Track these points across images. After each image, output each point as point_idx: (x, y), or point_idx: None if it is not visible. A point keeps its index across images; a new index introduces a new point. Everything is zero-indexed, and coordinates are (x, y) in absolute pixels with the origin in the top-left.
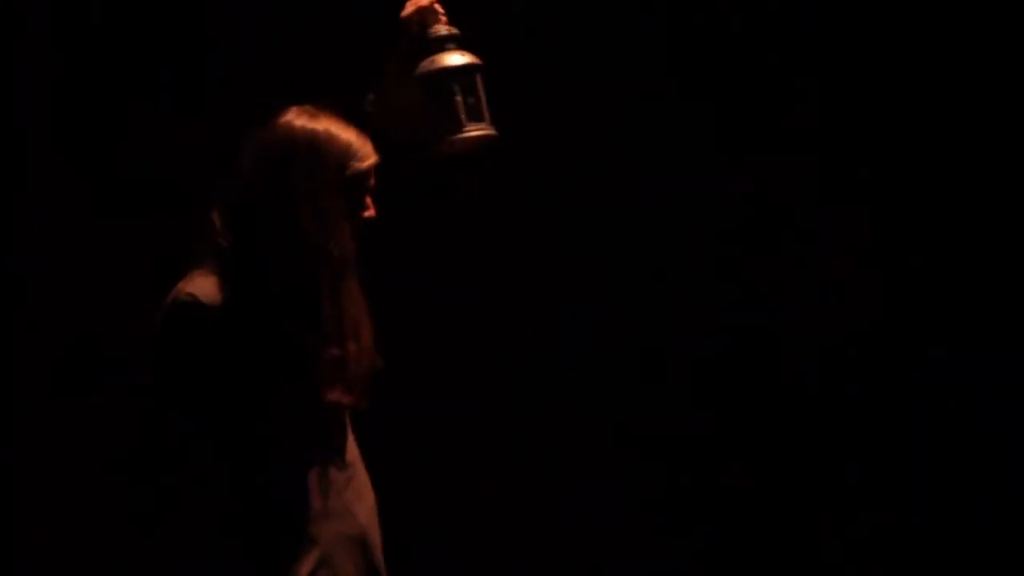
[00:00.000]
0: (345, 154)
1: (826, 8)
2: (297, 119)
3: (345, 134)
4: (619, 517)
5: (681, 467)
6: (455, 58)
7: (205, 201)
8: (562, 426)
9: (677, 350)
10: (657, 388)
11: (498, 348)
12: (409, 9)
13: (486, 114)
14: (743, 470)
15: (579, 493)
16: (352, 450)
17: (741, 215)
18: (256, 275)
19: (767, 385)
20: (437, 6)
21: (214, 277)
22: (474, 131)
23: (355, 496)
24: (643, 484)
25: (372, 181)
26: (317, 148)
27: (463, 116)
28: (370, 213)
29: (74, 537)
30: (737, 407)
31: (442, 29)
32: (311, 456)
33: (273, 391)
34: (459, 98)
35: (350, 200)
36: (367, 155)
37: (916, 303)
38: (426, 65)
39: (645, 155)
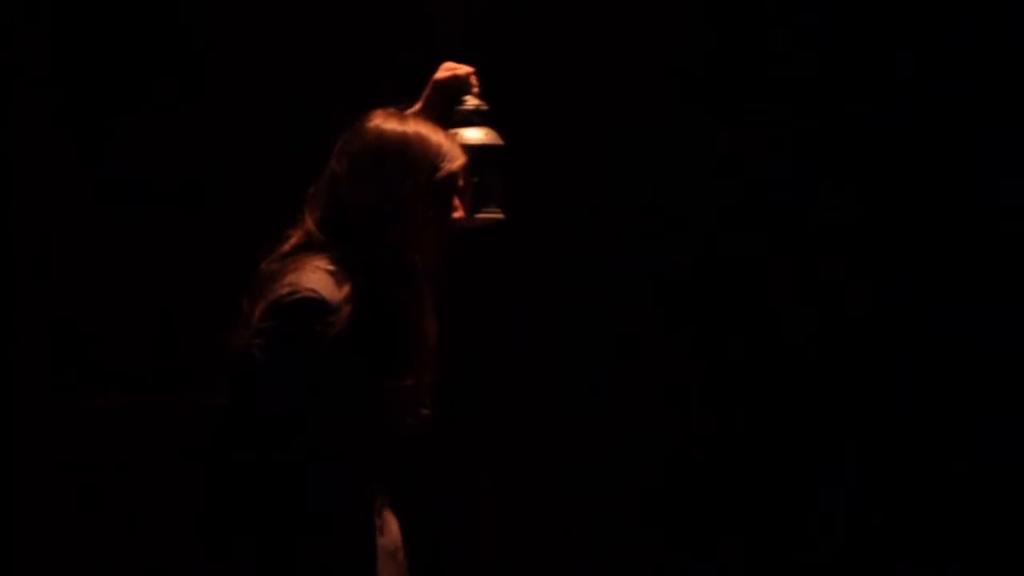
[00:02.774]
0: (436, 155)
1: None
2: (386, 123)
3: (434, 136)
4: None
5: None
6: (478, 135)
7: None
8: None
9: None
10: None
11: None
12: (444, 74)
13: (498, 195)
14: (744, 468)
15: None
16: None
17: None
18: (350, 277)
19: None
20: (473, 78)
21: (322, 274)
22: (482, 214)
23: (389, 512)
24: (643, 482)
25: (461, 181)
26: (410, 151)
27: (474, 198)
28: (459, 214)
29: (74, 537)
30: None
31: (472, 102)
32: (370, 472)
33: (350, 398)
34: (475, 179)
35: (442, 201)
36: (456, 155)
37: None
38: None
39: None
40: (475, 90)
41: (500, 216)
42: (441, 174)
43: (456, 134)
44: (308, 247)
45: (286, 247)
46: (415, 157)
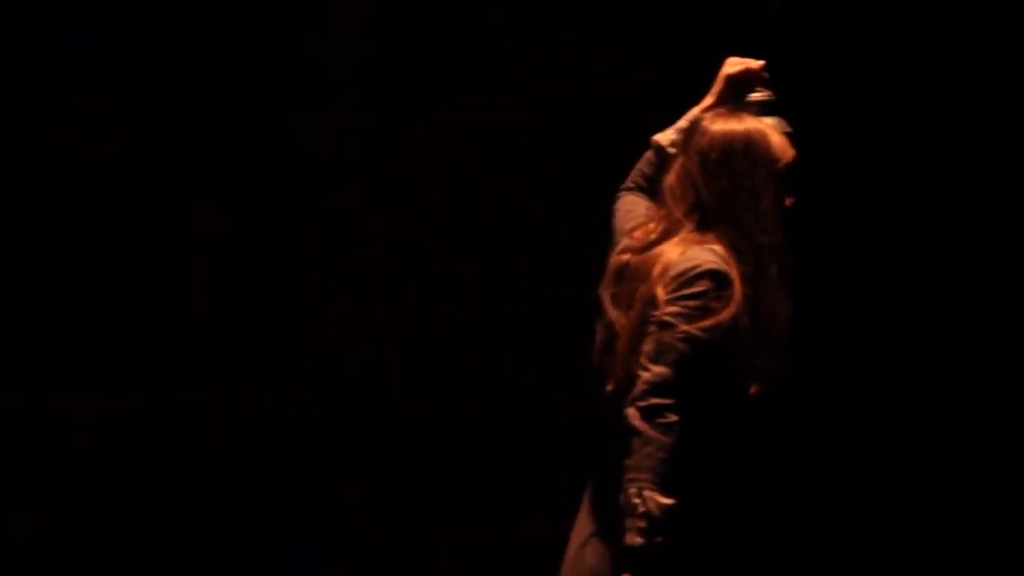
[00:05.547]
0: (775, 148)
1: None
2: (727, 122)
3: (768, 130)
4: None
5: None
6: (771, 124)
7: None
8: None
9: None
10: None
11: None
12: (735, 68)
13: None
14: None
15: None
16: None
17: None
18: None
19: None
20: (764, 73)
21: (710, 252)
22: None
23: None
24: None
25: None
26: (753, 145)
27: None
28: (793, 201)
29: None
30: None
31: (762, 94)
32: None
33: (723, 371)
34: None
35: (783, 188)
36: (788, 146)
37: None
38: None
39: None
40: (764, 81)
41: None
42: (781, 164)
43: None
44: (672, 235)
45: (653, 236)
46: (758, 150)
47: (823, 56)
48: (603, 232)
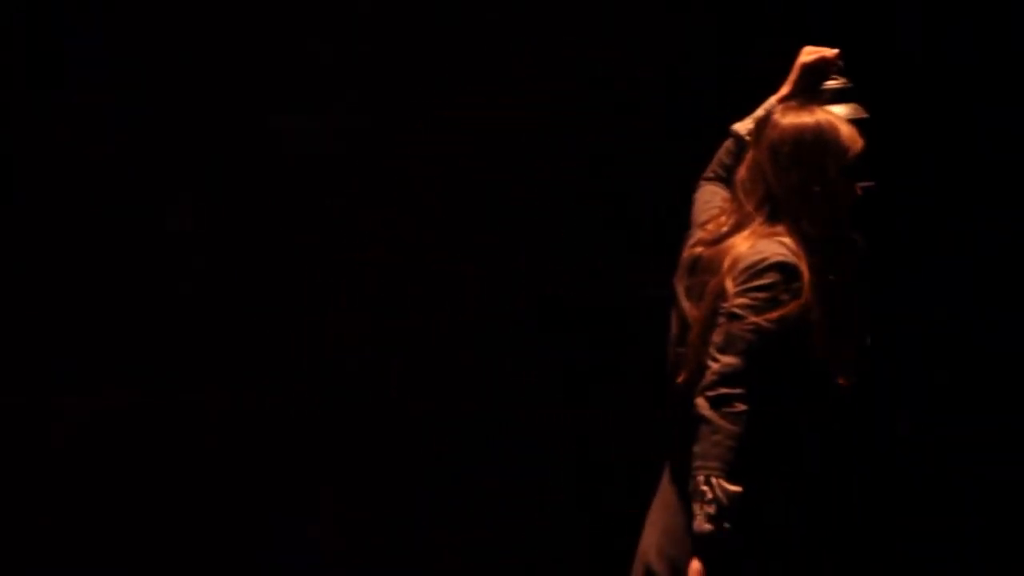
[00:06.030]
0: (845, 139)
1: None
2: (798, 116)
3: (837, 122)
4: None
5: None
6: (848, 111)
7: None
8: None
9: None
10: None
11: None
12: (811, 57)
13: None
14: None
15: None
16: None
17: None
18: (798, 250)
19: None
20: (839, 61)
21: (779, 245)
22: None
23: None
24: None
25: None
26: (824, 137)
27: None
28: (864, 189)
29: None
30: None
31: (837, 81)
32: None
33: (797, 362)
34: None
35: (852, 182)
36: (857, 137)
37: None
38: None
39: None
40: (839, 69)
41: (870, 184)
42: (851, 154)
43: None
44: (742, 228)
45: (725, 229)
46: (829, 142)
47: None
48: (603, 232)
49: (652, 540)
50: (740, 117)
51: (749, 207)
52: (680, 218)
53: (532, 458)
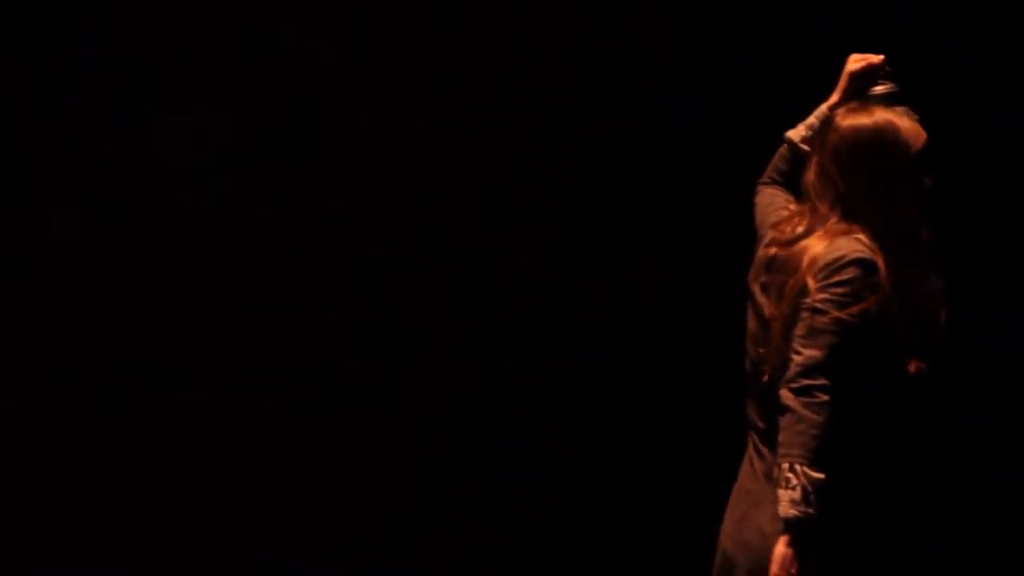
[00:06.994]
0: (908, 136)
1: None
2: (858, 117)
3: (898, 119)
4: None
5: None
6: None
7: None
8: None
9: None
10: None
11: None
12: (859, 64)
13: None
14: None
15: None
16: None
17: None
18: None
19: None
20: (886, 67)
21: (856, 242)
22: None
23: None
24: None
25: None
26: (885, 137)
27: None
28: (928, 184)
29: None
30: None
31: (885, 86)
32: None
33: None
34: None
35: (918, 175)
36: (920, 132)
37: None
38: None
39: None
40: (886, 74)
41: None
42: (914, 151)
43: None
44: (817, 229)
45: (800, 229)
46: (889, 140)
47: (823, 56)
48: (603, 232)
49: (729, 527)
50: (740, 117)
51: (823, 209)
52: (680, 218)
53: (532, 458)
